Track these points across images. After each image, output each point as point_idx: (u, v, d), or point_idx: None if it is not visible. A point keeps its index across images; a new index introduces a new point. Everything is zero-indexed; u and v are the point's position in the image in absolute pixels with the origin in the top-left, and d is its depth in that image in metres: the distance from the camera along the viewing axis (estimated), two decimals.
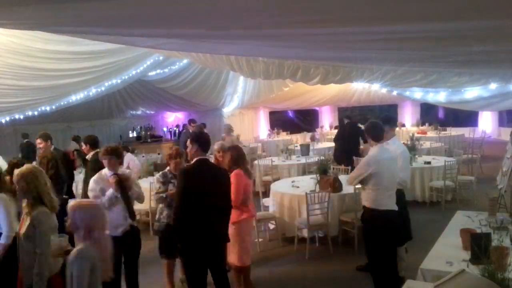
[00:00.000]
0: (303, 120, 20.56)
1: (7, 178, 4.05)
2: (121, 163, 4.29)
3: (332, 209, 5.86)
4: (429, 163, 8.13)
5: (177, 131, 15.13)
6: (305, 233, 5.96)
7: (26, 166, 3.46)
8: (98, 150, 4.99)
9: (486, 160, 10.01)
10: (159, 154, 12.21)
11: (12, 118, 9.13)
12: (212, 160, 4.61)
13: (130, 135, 14.86)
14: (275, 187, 6.83)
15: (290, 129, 18.46)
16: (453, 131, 13.91)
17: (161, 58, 9.45)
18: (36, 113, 9.41)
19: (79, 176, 7.63)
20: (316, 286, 4.94)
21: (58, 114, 10.53)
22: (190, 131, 11.13)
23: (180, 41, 4.58)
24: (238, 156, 4.53)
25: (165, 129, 15.90)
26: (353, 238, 5.85)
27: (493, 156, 10.45)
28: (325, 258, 5.65)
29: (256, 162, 9.82)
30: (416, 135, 12.17)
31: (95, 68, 7.81)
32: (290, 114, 20.66)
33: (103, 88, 9.66)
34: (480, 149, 10.45)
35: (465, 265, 2.85)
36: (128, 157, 8.32)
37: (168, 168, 4.75)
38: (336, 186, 6.00)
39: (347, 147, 8.72)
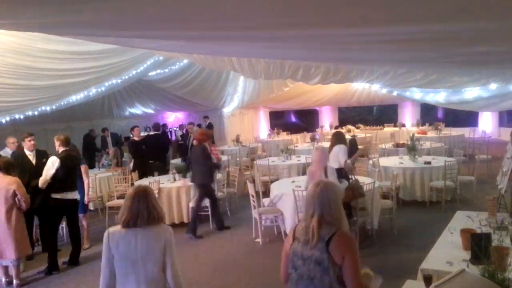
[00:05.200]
0: (304, 120, 20.60)
1: None
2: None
3: None
4: (429, 163, 8.13)
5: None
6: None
7: None
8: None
9: (486, 160, 10.01)
10: None
11: (12, 118, 9.13)
12: None
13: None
14: (276, 186, 6.84)
15: (290, 129, 18.49)
16: (453, 131, 13.92)
17: (161, 58, 9.45)
18: (36, 113, 9.40)
19: None
20: None
21: (58, 114, 10.53)
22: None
23: (181, 43, 4.59)
24: None
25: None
26: (355, 237, 5.87)
27: (493, 156, 10.45)
28: None
29: (255, 162, 9.83)
30: (416, 135, 12.18)
31: (95, 68, 7.81)
32: (291, 114, 20.68)
33: (103, 88, 9.66)
34: (479, 150, 10.45)
35: (465, 265, 2.85)
36: None
37: None
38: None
39: None
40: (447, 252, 3.41)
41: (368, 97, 17.94)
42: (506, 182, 5.75)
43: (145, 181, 7.92)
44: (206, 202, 7.28)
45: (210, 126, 14.92)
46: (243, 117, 17.60)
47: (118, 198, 8.10)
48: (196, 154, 7.23)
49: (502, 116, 17.18)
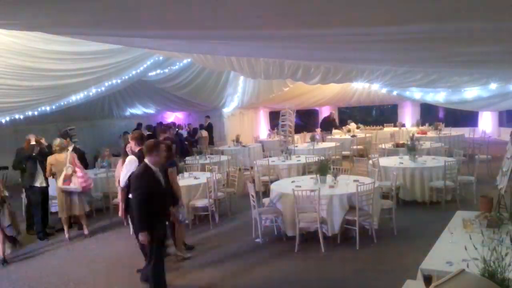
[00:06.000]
0: (304, 120, 20.58)
1: None
2: None
3: (330, 207, 5.91)
4: (424, 162, 8.16)
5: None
6: (303, 230, 6.11)
7: None
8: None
9: (486, 160, 10.01)
10: None
11: (12, 118, 9.14)
12: None
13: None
14: (276, 187, 6.84)
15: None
16: (453, 131, 13.92)
17: (161, 58, 9.46)
18: (36, 113, 9.42)
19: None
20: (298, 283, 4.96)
21: (58, 114, 10.54)
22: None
23: (181, 42, 4.59)
24: None
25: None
26: (354, 236, 5.89)
27: (493, 156, 10.45)
28: (313, 254, 5.72)
29: (255, 162, 9.84)
30: (416, 135, 12.17)
31: (95, 68, 7.82)
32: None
33: (103, 88, 9.67)
34: (479, 150, 10.45)
35: (465, 265, 2.85)
36: None
37: None
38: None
39: None
40: (447, 252, 3.41)
41: (368, 97, 17.94)
42: (506, 182, 5.74)
43: None
44: (206, 201, 7.29)
45: (209, 127, 14.95)
46: (243, 117, 17.60)
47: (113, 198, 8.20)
48: None
49: (502, 116, 17.17)
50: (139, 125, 14.21)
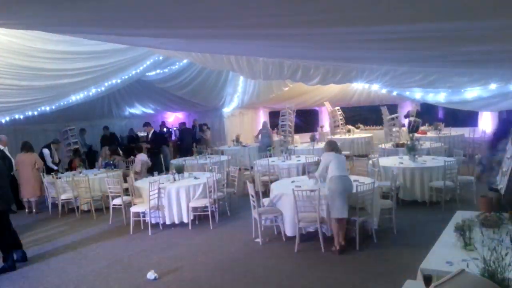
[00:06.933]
0: (304, 120, 20.58)
1: None
2: None
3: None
4: (424, 162, 8.15)
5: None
6: (303, 230, 6.15)
7: None
8: None
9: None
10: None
11: (12, 118, 9.14)
12: None
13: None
14: (276, 187, 6.84)
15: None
16: (453, 131, 13.91)
17: (161, 58, 9.46)
18: (36, 113, 9.42)
19: None
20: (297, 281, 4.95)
21: (58, 114, 10.54)
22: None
23: (180, 41, 4.59)
24: None
25: (165, 129, 15.94)
26: (354, 236, 5.88)
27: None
28: (314, 254, 5.70)
29: (255, 162, 9.83)
30: (416, 135, 12.17)
31: (95, 68, 7.82)
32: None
33: (103, 88, 9.67)
34: (479, 149, 10.44)
35: (465, 265, 2.85)
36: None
37: None
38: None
39: None
40: (447, 252, 3.41)
41: (368, 97, 17.91)
42: (506, 182, 5.73)
43: (145, 181, 7.98)
44: (205, 201, 7.28)
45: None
46: (243, 117, 17.58)
47: (113, 198, 8.16)
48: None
49: (502, 116, 17.14)
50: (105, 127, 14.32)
